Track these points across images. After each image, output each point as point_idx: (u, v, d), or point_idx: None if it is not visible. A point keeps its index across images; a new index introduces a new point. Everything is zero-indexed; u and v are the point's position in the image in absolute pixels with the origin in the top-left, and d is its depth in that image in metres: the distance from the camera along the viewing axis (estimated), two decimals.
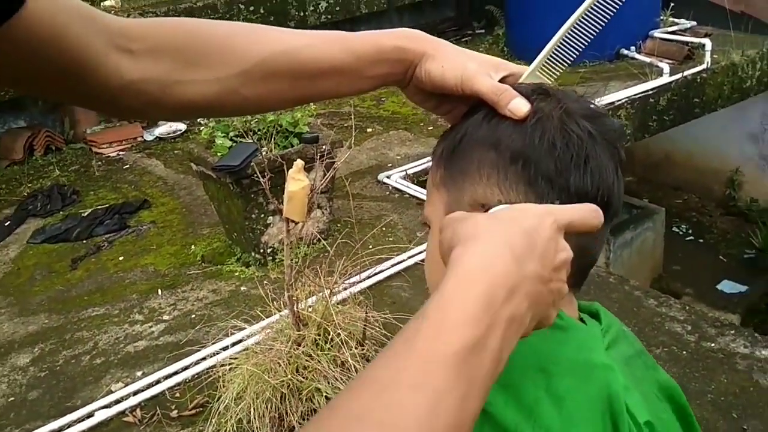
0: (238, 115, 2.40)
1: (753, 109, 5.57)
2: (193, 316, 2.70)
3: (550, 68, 0.72)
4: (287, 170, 2.08)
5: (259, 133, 2.87)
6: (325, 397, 1.92)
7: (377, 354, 0.49)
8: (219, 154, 2.81)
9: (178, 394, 2.28)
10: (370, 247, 2.41)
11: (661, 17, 5.29)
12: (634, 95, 4.38)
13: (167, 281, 3.00)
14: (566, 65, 0.71)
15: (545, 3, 4.61)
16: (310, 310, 2.09)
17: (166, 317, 2.73)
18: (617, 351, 0.65)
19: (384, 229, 3.01)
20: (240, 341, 2.35)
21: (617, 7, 0.69)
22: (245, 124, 2.90)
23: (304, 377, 1.96)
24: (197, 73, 0.67)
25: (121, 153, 4.47)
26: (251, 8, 4.87)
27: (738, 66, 4.82)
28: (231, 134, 2.92)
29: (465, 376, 0.45)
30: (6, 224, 3.67)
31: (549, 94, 0.65)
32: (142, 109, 0.70)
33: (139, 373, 2.41)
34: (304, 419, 1.92)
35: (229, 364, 2.10)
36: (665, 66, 4.62)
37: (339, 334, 1.97)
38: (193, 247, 3.25)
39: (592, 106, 0.66)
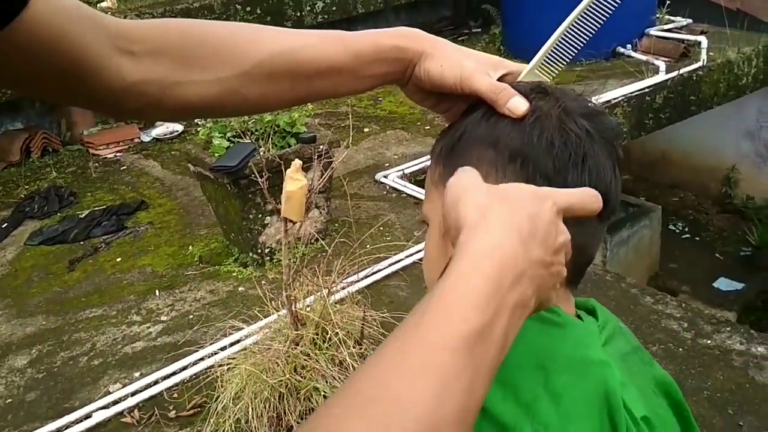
0: (237, 115, 2.40)
1: (749, 106, 5.58)
2: (191, 316, 2.71)
3: (549, 67, 0.72)
4: (285, 170, 2.08)
5: (256, 133, 2.87)
6: (324, 396, 1.92)
7: (389, 336, 0.49)
8: (216, 154, 2.81)
9: (176, 395, 2.28)
10: (368, 246, 2.41)
11: (657, 15, 5.30)
12: (631, 93, 4.39)
13: (165, 282, 3.00)
14: (564, 64, 0.72)
15: (541, 2, 4.62)
16: (308, 309, 2.09)
17: (163, 318, 2.73)
18: (614, 347, 0.65)
19: (381, 228, 3.02)
20: (238, 341, 2.35)
21: (615, 5, 0.69)
22: (243, 125, 2.90)
23: (302, 377, 1.96)
24: (197, 74, 0.68)
25: (118, 154, 4.47)
26: (248, 8, 4.87)
27: (734, 63, 4.83)
28: (228, 135, 2.92)
29: (473, 360, 0.45)
30: (3, 226, 3.67)
31: (547, 92, 0.65)
32: (143, 110, 0.70)
33: (137, 374, 2.41)
34: (302, 418, 1.92)
35: (227, 364, 2.11)
36: (661, 64, 4.63)
37: (337, 333, 1.98)
38: (190, 247, 3.25)
39: (590, 104, 0.67)
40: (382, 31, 0.71)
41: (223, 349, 2.34)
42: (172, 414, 2.20)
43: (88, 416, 2.22)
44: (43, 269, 3.24)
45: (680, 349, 2.24)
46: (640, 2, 5.03)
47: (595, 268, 2.85)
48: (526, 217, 0.51)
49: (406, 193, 3.43)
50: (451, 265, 0.49)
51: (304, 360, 1.97)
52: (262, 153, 2.69)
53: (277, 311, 2.18)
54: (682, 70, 4.61)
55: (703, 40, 4.80)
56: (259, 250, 2.94)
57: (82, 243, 3.44)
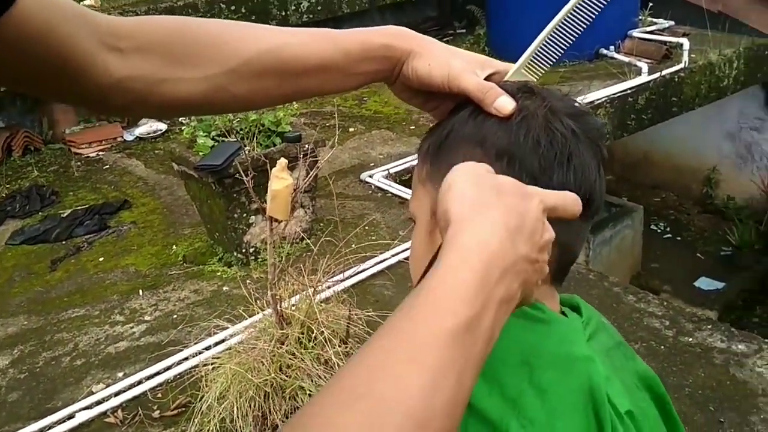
0: (225, 112, 2.40)
1: (730, 107, 5.65)
2: (175, 316, 2.69)
3: (535, 66, 0.73)
4: (270, 169, 2.08)
5: (241, 132, 2.86)
6: (309, 395, 1.92)
7: (377, 330, 0.49)
8: (201, 153, 2.80)
9: (160, 395, 2.27)
10: (353, 246, 2.41)
11: (640, 17, 5.35)
12: (613, 94, 4.42)
13: (148, 282, 2.98)
14: (551, 63, 0.73)
15: (526, 3, 4.65)
16: (293, 308, 2.09)
17: (147, 318, 2.72)
18: (598, 342, 0.66)
19: (367, 228, 3.02)
20: (223, 341, 2.34)
21: (601, 6, 0.70)
22: (227, 124, 2.89)
23: (287, 376, 1.96)
24: (185, 71, 0.68)
25: (100, 153, 4.43)
26: (233, 7, 4.85)
27: (715, 65, 4.89)
28: (213, 134, 2.91)
29: (461, 354, 0.46)
30: None
31: (534, 92, 0.66)
32: (130, 107, 0.70)
33: (120, 374, 2.40)
34: (287, 417, 1.92)
35: (212, 363, 2.10)
36: (644, 65, 4.67)
37: (323, 332, 1.98)
38: (174, 247, 3.23)
39: (576, 104, 0.67)
40: (371, 29, 0.72)
41: (207, 348, 2.33)
42: (156, 414, 2.19)
43: (71, 416, 2.20)
44: (24, 269, 3.20)
45: (662, 347, 2.27)
46: (623, 4, 5.07)
47: (579, 267, 2.88)
48: (514, 213, 0.52)
49: (391, 193, 3.44)
50: (440, 258, 0.50)
51: (290, 359, 1.97)
52: (247, 152, 2.68)
53: (262, 310, 2.18)
54: (664, 72, 4.65)
55: (685, 42, 4.85)
56: (244, 250, 2.93)
57: (64, 242, 3.41)
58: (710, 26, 4.97)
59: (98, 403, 2.25)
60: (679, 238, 5.91)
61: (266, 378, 1.94)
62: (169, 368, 2.35)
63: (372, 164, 3.82)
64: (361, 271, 2.68)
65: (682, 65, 4.76)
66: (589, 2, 0.71)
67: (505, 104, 0.64)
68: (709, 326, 2.38)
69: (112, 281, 3.02)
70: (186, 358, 2.36)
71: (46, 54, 0.60)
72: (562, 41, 0.72)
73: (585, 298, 0.73)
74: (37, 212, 3.73)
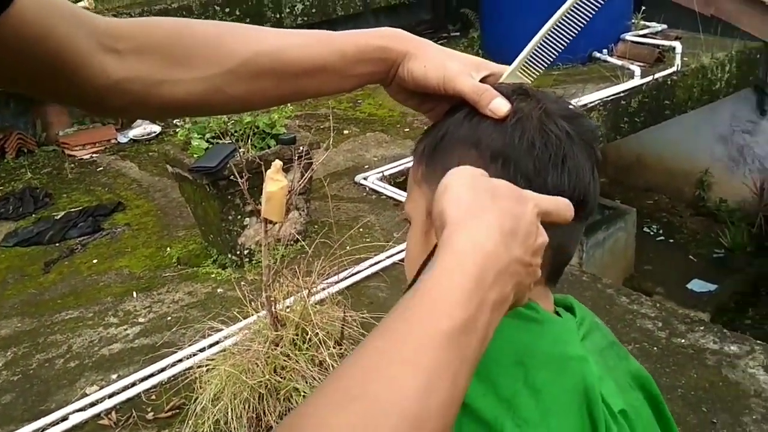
0: (223, 113, 2.40)
1: (722, 110, 5.68)
2: (169, 318, 2.69)
3: (530, 69, 0.73)
4: (265, 171, 2.08)
5: (236, 134, 2.86)
6: (303, 396, 1.92)
7: (372, 331, 0.49)
8: (195, 155, 2.80)
9: (154, 397, 2.27)
10: (348, 247, 2.42)
11: (633, 21, 5.37)
12: (606, 97, 4.44)
13: (142, 284, 2.98)
14: (545, 66, 0.73)
15: (520, 6, 4.67)
16: (288, 310, 2.09)
17: (141, 320, 2.72)
18: (591, 342, 0.66)
19: (361, 230, 3.03)
20: (217, 343, 2.34)
21: (595, 9, 0.70)
22: (222, 126, 2.89)
23: (282, 377, 1.96)
24: (183, 73, 0.68)
25: (94, 155, 4.42)
26: (227, 10, 4.86)
27: (707, 68, 4.91)
28: (207, 136, 2.91)
29: (456, 354, 0.46)
30: None
31: (529, 94, 0.67)
32: (128, 108, 0.70)
33: (114, 376, 2.39)
34: (281, 419, 1.92)
35: (206, 365, 2.10)
36: (636, 68, 4.70)
37: (317, 333, 1.98)
38: (168, 249, 3.23)
39: (570, 107, 0.68)
40: (366, 31, 0.72)
41: (201, 350, 2.33)
42: (150, 416, 2.19)
43: (64, 418, 2.19)
44: (18, 271, 3.20)
45: (655, 348, 2.28)
46: (616, 8, 5.10)
47: (572, 268, 2.89)
48: (509, 216, 0.52)
49: (385, 195, 3.45)
50: (435, 260, 0.50)
51: (284, 361, 1.97)
52: (241, 154, 2.68)
53: (257, 312, 2.18)
54: (656, 75, 4.68)
55: (678, 45, 4.88)
56: (238, 252, 2.93)
57: (57, 244, 3.40)
58: (702, 30, 5.00)
59: (92, 405, 2.24)
60: (671, 241, 5.93)
61: (261, 379, 1.94)
62: (163, 370, 2.35)
63: (366, 166, 3.83)
64: (356, 273, 2.68)
65: (674, 68, 4.78)
66: (583, 5, 0.71)
67: (500, 106, 0.65)
68: (702, 327, 2.39)
69: (106, 283, 3.01)
70: (180, 360, 2.36)
71: (43, 55, 0.61)
72: (557, 44, 0.73)
73: (578, 300, 0.74)
74: (30, 214, 3.72)
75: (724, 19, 5.27)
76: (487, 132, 0.64)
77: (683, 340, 2.33)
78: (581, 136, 0.66)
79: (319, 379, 1.93)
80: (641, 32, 5.28)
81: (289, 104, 3.13)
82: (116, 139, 4.56)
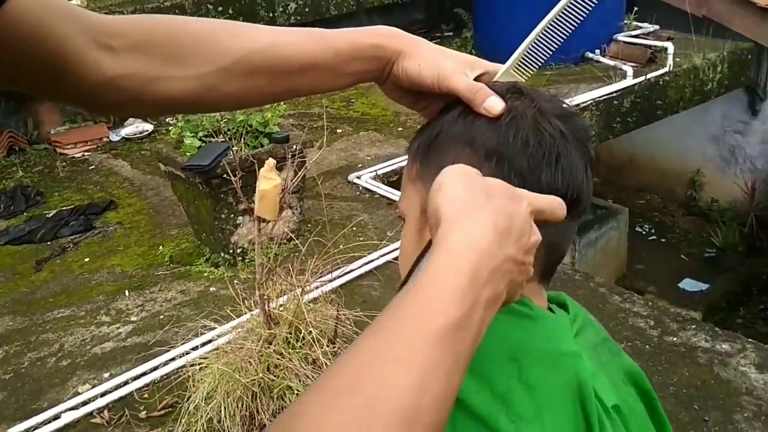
0: (217, 111, 2.40)
1: (714, 111, 5.71)
2: (162, 317, 2.68)
3: (524, 67, 0.74)
4: (258, 170, 2.08)
5: (228, 133, 2.86)
6: (297, 394, 1.92)
7: (365, 329, 0.50)
8: (188, 154, 2.79)
9: (146, 395, 2.26)
10: (341, 246, 2.42)
11: (625, 21, 5.40)
12: (599, 97, 4.46)
13: (135, 282, 2.97)
14: (539, 65, 0.74)
15: (513, 6, 4.68)
16: (281, 308, 2.09)
17: (133, 318, 2.71)
18: (584, 338, 0.67)
19: (354, 228, 3.03)
20: (210, 341, 2.34)
21: (589, 9, 0.71)
22: (214, 124, 2.89)
23: (275, 375, 1.96)
24: (176, 70, 0.68)
25: (86, 154, 4.41)
26: (219, 8, 4.85)
27: (699, 69, 4.94)
28: (200, 134, 2.90)
29: (450, 352, 0.47)
30: None
31: (523, 93, 0.67)
32: (122, 105, 0.70)
33: (106, 375, 2.38)
34: (275, 417, 1.92)
35: (199, 363, 2.09)
36: (629, 69, 4.71)
37: (311, 332, 1.98)
38: (161, 247, 3.22)
39: (564, 105, 0.68)
40: (361, 29, 0.72)
41: (194, 349, 2.33)
42: (142, 414, 2.18)
43: (56, 417, 2.19)
44: (9, 269, 3.18)
45: (647, 347, 2.29)
46: (609, 9, 5.12)
47: (565, 267, 2.90)
48: (503, 215, 0.53)
49: (378, 194, 3.45)
50: (429, 258, 0.51)
51: (277, 359, 1.97)
52: (234, 152, 2.68)
53: (250, 311, 2.18)
54: (649, 75, 4.70)
55: (670, 46, 4.90)
56: (231, 251, 2.93)
57: (49, 243, 3.39)
58: (694, 30, 5.02)
59: (84, 403, 2.23)
60: (663, 240, 5.96)
61: (254, 378, 1.94)
62: (155, 369, 2.35)
63: (360, 165, 3.83)
64: (349, 272, 2.68)
65: (666, 69, 4.80)
66: (576, 5, 0.72)
67: (494, 105, 0.65)
68: (694, 326, 2.40)
69: (98, 282, 3.00)
70: (173, 359, 2.36)
71: (39, 53, 0.61)
72: (551, 43, 0.73)
73: (571, 298, 0.74)
74: (21, 212, 3.70)
75: (715, 20, 5.30)
76: (481, 130, 0.65)
77: (675, 339, 2.34)
78: (575, 135, 0.66)
79: (313, 377, 1.93)
80: (633, 33, 5.30)
81: (282, 103, 3.12)
82: (108, 137, 4.55)
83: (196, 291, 2.83)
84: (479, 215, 0.52)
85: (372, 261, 2.81)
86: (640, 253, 5.58)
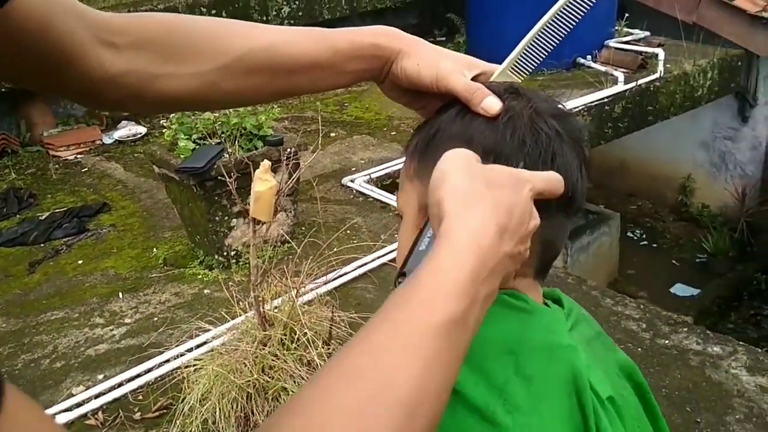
0: (218, 108, 2.42)
1: (704, 117, 5.75)
2: (156, 319, 2.68)
3: (520, 68, 0.75)
4: (253, 172, 2.09)
5: (222, 135, 2.87)
6: (291, 395, 1.93)
7: (372, 319, 0.51)
8: (182, 156, 2.80)
9: (141, 397, 2.26)
10: (335, 249, 2.43)
11: (616, 27, 5.44)
12: (591, 103, 4.49)
13: (128, 284, 2.97)
14: (535, 66, 0.75)
15: (505, 11, 4.71)
16: (276, 310, 2.10)
17: (127, 320, 2.71)
18: (579, 332, 0.68)
19: (348, 231, 3.04)
20: (204, 343, 2.34)
21: (585, 11, 0.72)
22: (208, 127, 2.89)
23: (270, 377, 1.96)
24: (178, 68, 0.69)
25: (79, 156, 4.40)
26: (213, 12, 4.85)
27: (690, 75, 4.98)
28: (194, 137, 2.91)
29: (450, 345, 0.49)
30: None
31: (520, 93, 0.68)
32: (124, 102, 0.71)
33: (100, 377, 2.38)
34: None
35: (194, 365, 2.09)
36: (620, 75, 4.75)
37: (305, 333, 1.99)
38: (154, 250, 3.22)
39: (559, 106, 0.70)
40: (361, 29, 0.74)
41: (189, 350, 2.33)
42: (137, 416, 2.18)
43: None
44: (2, 271, 3.17)
45: (639, 349, 2.31)
46: (600, 15, 5.15)
47: (557, 271, 2.92)
48: (503, 208, 0.54)
49: (372, 197, 3.46)
50: (435, 253, 0.52)
51: (272, 360, 1.97)
52: (230, 154, 2.68)
53: (245, 312, 2.18)
54: (639, 81, 4.73)
55: (660, 52, 4.94)
56: (225, 253, 2.93)
57: (42, 245, 3.38)
58: (685, 37, 5.07)
59: (78, 405, 2.23)
60: (655, 245, 5.99)
61: (249, 379, 1.95)
62: (150, 370, 2.35)
63: (353, 169, 3.84)
64: (343, 274, 2.69)
65: (657, 75, 4.84)
66: (572, 8, 0.73)
67: (492, 104, 0.66)
68: (685, 329, 2.42)
69: (92, 284, 3.00)
70: (167, 361, 2.36)
71: (44, 48, 0.61)
72: (546, 45, 0.74)
73: None
74: (14, 215, 3.69)
75: (706, 26, 5.34)
76: (479, 129, 0.66)
77: (667, 341, 2.36)
78: (570, 135, 0.68)
79: (308, 378, 1.93)
80: (624, 39, 5.34)
81: (275, 106, 3.14)
82: (101, 140, 4.54)
83: (190, 293, 2.83)
84: (481, 210, 0.54)
85: (366, 264, 2.82)
86: (631, 258, 5.61)
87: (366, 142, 4.25)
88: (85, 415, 2.19)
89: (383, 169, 3.74)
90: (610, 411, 0.62)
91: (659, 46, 5.12)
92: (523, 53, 0.75)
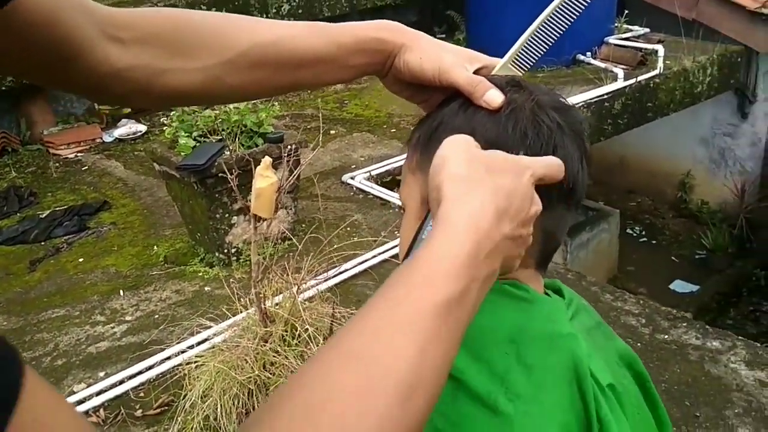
0: (224, 102, 2.42)
1: (704, 113, 5.76)
2: (157, 316, 2.69)
3: (521, 62, 0.76)
4: (254, 169, 2.10)
5: (223, 133, 2.87)
6: None
7: (370, 298, 0.52)
8: (183, 153, 2.80)
9: (142, 394, 2.27)
10: (335, 246, 2.43)
11: (616, 24, 5.44)
12: (590, 99, 4.50)
13: (129, 282, 2.97)
14: (535, 59, 0.76)
15: (504, 9, 4.72)
16: (277, 307, 2.11)
17: (128, 318, 2.71)
18: (579, 322, 0.69)
19: (348, 228, 3.04)
20: (206, 340, 2.35)
21: (585, 5, 0.73)
22: (209, 124, 2.90)
23: (271, 373, 1.97)
24: (183, 62, 0.70)
25: (79, 154, 4.41)
26: (213, 10, 4.85)
27: (689, 71, 4.99)
28: (194, 134, 2.91)
29: (448, 325, 0.49)
30: None
31: (521, 86, 0.69)
32: (129, 96, 0.72)
33: (101, 374, 2.39)
34: None
35: (195, 362, 2.10)
36: (620, 71, 4.76)
37: (307, 329, 1.99)
38: (155, 248, 3.22)
39: (561, 99, 0.70)
40: (364, 23, 0.74)
41: (190, 347, 2.33)
42: (138, 413, 2.19)
43: None
44: (3, 270, 3.18)
45: (639, 344, 2.32)
46: (600, 12, 5.16)
47: (557, 267, 2.92)
48: (502, 193, 0.55)
49: (372, 194, 3.46)
50: (433, 235, 0.53)
51: (273, 356, 1.98)
52: (231, 150, 2.69)
53: (246, 309, 2.19)
54: (639, 78, 4.74)
55: (660, 48, 4.95)
56: (226, 250, 2.94)
57: (42, 243, 3.38)
58: (684, 33, 5.07)
59: (80, 402, 2.24)
60: (654, 242, 6.00)
61: (250, 375, 1.95)
62: (151, 367, 2.35)
63: (353, 166, 3.84)
64: (344, 271, 2.69)
65: (657, 71, 4.85)
66: (573, 1, 0.74)
67: (494, 97, 0.67)
68: (684, 324, 2.43)
69: (93, 282, 3.00)
70: (168, 357, 2.36)
71: (50, 42, 0.62)
72: (547, 39, 0.75)
73: None
74: (15, 213, 3.70)
75: (705, 23, 5.35)
76: (481, 122, 0.66)
77: (666, 336, 2.37)
78: (571, 127, 0.68)
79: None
80: (624, 35, 5.35)
81: (276, 103, 3.14)
82: (101, 138, 4.54)
83: (191, 291, 2.84)
84: (480, 193, 0.54)
85: (367, 260, 2.82)
86: (631, 255, 5.62)
87: (366, 140, 4.25)
88: (86, 413, 2.20)
89: (383, 166, 3.75)
90: (611, 398, 0.63)
91: (659, 42, 5.13)
92: (524, 47, 0.76)
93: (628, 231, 6.02)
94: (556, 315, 0.66)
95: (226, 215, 2.87)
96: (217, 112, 2.94)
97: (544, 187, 0.61)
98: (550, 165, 0.60)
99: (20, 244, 3.40)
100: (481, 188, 0.54)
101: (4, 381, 0.33)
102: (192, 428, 1.98)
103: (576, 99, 4.44)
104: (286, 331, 2.04)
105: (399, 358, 0.47)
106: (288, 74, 0.73)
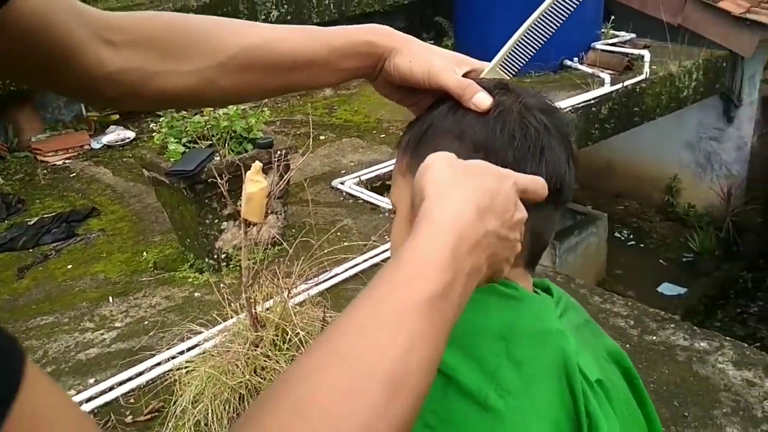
0: (216, 105, 2.43)
1: (689, 117, 5.82)
2: (146, 322, 2.68)
3: (508, 65, 0.77)
4: (244, 174, 2.10)
5: (212, 138, 2.87)
6: None
7: (356, 297, 0.52)
8: (172, 159, 2.80)
9: (132, 400, 2.26)
10: (326, 250, 2.44)
11: (602, 30, 5.49)
12: (578, 104, 4.53)
13: (118, 289, 2.96)
14: (523, 63, 0.77)
15: (492, 15, 4.75)
16: (267, 311, 2.11)
17: (118, 324, 2.70)
18: (568, 319, 0.70)
19: (339, 233, 3.05)
20: (196, 345, 2.34)
21: (572, 9, 0.74)
22: (198, 130, 2.90)
23: (262, 378, 1.97)
24: (175, 65, 0.70)
25: (67, 161, 4.39)
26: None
27: (675, 76, 5.04)
28: (184, 140, 2.91)
29: (434, 319, 0.50)
30: None
31: (509, 89, 0.70)
32: (121, 99, 0.72)
33: (91, 380, 2.38)
34: None
35: (186, 367, 2.10)
36: (606, 76, 4.80)
37: (298, 333, 2.00)
38: (144, 254, 3.22)
39: (548, 101, 0.72)
40: (354, 27, 0.75)
41: (181, 353, 2.33)
42: (128, 419, 2.18)
43: None
44: None
45: (627, 346, 2.33)
46: (587, 17, 5.21)
47: (546, 269, 2.94)
48: (485, 192, 0.56)
49: (362, 199, 3.47)
50: (414, 232, 0.54)
51: (264, 361, 1.98)
52: (221, 156, 2.69)
53: (236, 314, 2.19)
54: (626, 83, 4.78)
55: (646, 54, 4.99)
56: (216, 256, 2.93)
57: (31, 250, 3.37)
58: (670, 39, 5.13)
59: None
60: (642, 245, 6.05)
61: (241, 380, 1.95)
62: (141, 374, 2.35)
63: (343, 171, 3.85)
64: (335, 276, 2.70)
65: (643, 76, 4.89)
66: (559, 6, 0.75)
67: (482, 100, 0.68)
68: (672, 325, 2.45)
69: (81, 288, 2.99)
70: (158, 363, 2.36)
71: (39, 44, 0.63)
72: (534, 42, 0.76)
73: None
74: (2, 220, 3.68)
75: (691, 28, 5.41)
76: (470, 124, 0.68)
77: (655, 337, 2.39)
78: (558, 129, 0.70)
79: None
80: (611, 41, 5.40)
81: (265, 109, 3.15)
82: (89, 144, 4.53)
83: (180, 296, 2.83)
84: (462, 191, 0.55)
85: (357, 265, 2.83)
86: (619, 258, 5.66)
87: (355, 145, 4.26)
88: None
89: (373, 171, 3.76)
90: (599, 393, 0.64)
91: (645, 47, 5.18)
92: (512, 51, 0.77)
93: (616, 235, 6.06)
94: (545, 313, 0.67)
95: (216, 221, 2.87)
96: (207, 117, 2.94)
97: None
98: (535, 180, 0.61)
99: (8, 251, 3.38)
100: (463, 187, 0.56)
101: (4, 371, 0.33)
102: None
103: (563, 104, 4.47)
104: (277, 336, 2.04)
105: (384, 356, 0.47)
106: (279, 77, 0.73)
